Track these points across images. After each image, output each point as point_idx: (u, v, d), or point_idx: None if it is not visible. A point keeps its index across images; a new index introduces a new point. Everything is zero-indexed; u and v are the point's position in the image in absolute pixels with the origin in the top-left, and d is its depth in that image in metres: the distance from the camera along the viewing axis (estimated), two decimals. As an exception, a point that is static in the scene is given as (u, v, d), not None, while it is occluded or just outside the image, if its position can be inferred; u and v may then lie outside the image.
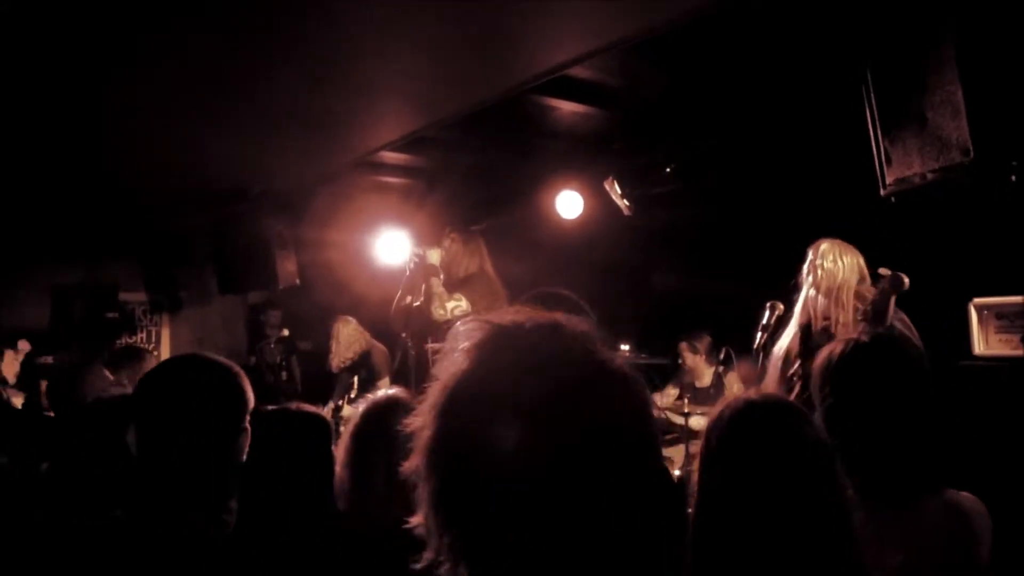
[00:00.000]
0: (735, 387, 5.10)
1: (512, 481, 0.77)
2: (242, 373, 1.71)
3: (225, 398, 1.64)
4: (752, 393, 1.39)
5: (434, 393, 0.86)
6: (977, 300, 3.80)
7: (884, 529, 1.46)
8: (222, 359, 1.72)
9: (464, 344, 0.86)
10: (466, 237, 4.56)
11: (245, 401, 1.67)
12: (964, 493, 1.67)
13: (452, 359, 0.86)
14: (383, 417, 2.07)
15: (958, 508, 1.60)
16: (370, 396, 2.21)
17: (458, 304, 4.26)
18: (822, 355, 1.72)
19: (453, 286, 4.41)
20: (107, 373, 3.93)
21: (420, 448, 0.85)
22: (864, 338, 1.68)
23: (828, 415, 1.60)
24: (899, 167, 2.70)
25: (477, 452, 0.79)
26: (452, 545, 0.82)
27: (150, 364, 3.61)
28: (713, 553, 1.29)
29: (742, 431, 1.31)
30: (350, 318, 5.97)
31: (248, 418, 1.67)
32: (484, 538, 0.80)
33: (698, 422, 4.92)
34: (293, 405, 1.94)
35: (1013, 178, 2.53)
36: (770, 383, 3.21)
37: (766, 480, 1.27)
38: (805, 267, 3.35)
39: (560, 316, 0.88)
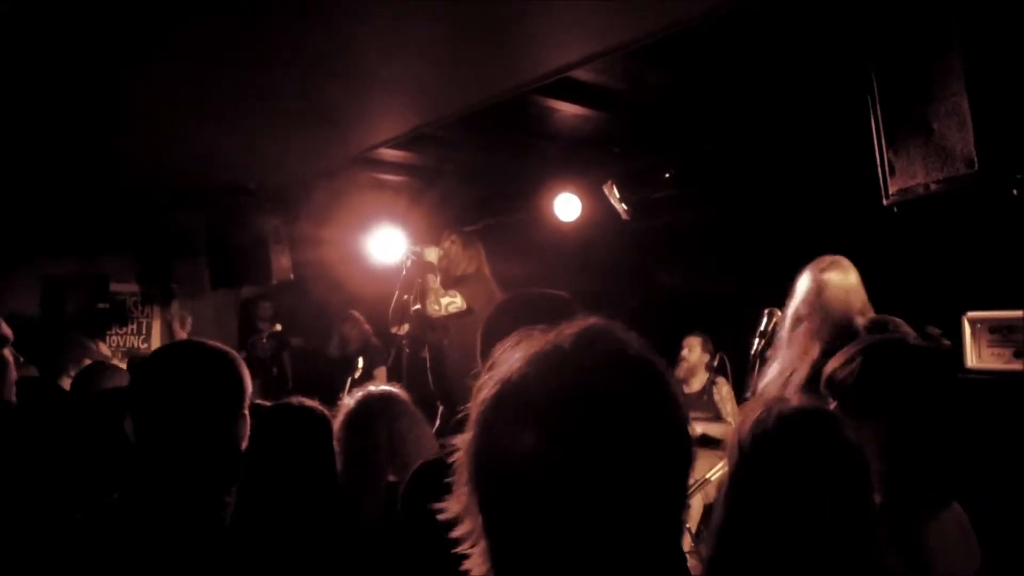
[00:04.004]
0: (724, 390, 5.09)
1: (548, 486, 0.79)
2: (240, 359, 1.69)
3: (223, 384, 1.61)
4: (792, 400, 1.38)
5: (484, 398, 0.87)
6: (970, 313, 3.81)
7: (909, 541, 1.45)
8: (220, 345, 1.70)
9: (517, 354, 0.87)
10: (465, 239, 4.60)
11: (243, 388, 1.65)
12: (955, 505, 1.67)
13: (503, 367, 0.87)
14: (377, 413, 2.07)
15: (964, 519, 1.61)
16: (364, 390, 2.22)
17: (452, 300, 4.30)
18: (836, 361, 1.70)
19: (449, 284, 4.44)
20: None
21: (465, 446, 0.87)
22: (883, 344, 1.66)
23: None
24: (903, 177, 2.71)
25: (516, 459, 0.80)
26: (488, 550, 0.84)
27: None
28: (741, 555, 1.28)
29: (785, 436, 1.31)
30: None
31: (247, 405, 1.65)
32: (520, 545, 0.81)
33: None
34: (294, 400, 1.93)
35: (1015, 191, 2.54)
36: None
37: (810, 485, 1.26)
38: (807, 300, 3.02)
39: (602, 327, 0.91)
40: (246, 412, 1.65)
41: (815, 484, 1.26)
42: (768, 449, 1.31)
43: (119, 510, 1.50)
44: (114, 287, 6.87)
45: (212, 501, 1.56)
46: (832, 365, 1.70)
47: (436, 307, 4.31)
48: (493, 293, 4.41)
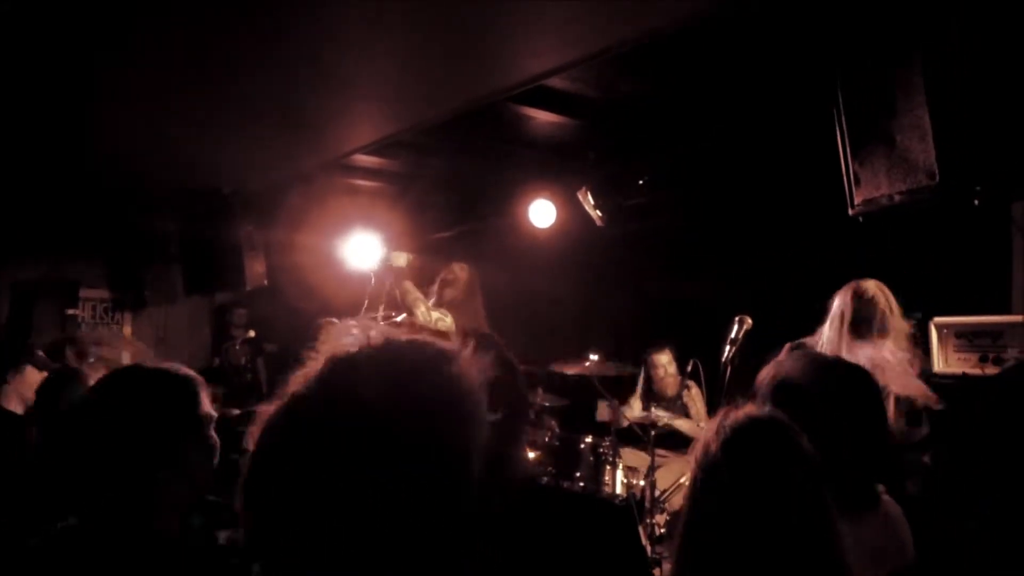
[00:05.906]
0: (694, 392, 5.12)
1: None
2: (194, 381, 1.59)
3: (168, 411, 1.53)
4: (752, 408, 1.42)
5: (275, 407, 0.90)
6: (937, 319, 3.87)
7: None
8: (170, 366, 1.61)
9: (315, 367, 0.90)
10: (471, 270, 4.72)
11: (195, 411, 1.56)
12: (887, 498, 1.75)
13: (301, 379, 0.90)
14: None
15: (894, 517, 1.70)
16: None
17: (442, 318, 4.39)
18: (770, 371, 1.77)
19: (443, 303, 4.55)
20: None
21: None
22: (803, 353, 1.73)
23: None
24: (867, 188, 2.77)
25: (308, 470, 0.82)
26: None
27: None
28: (703, 561, 1.32)
29: (747, 444, 1.34)
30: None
31: (205, 426, 1.57)
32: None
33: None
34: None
35: (976, 202, 2.61)
36: None
37: (769, 491, 1.30)
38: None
39: (412, 338, 0.94)
40: (206, 433, 1.58)
41: (763, 492, 1.30)
42: (716, 459, 1.34)
43: (75, 535, 1.45)
44: (84, 293, 6.78)
45: (170, 522, 1.52)
46: (760, 374, 1.78)
47: (424, 311, 4.40)
48: (480, 320, 4.52)
